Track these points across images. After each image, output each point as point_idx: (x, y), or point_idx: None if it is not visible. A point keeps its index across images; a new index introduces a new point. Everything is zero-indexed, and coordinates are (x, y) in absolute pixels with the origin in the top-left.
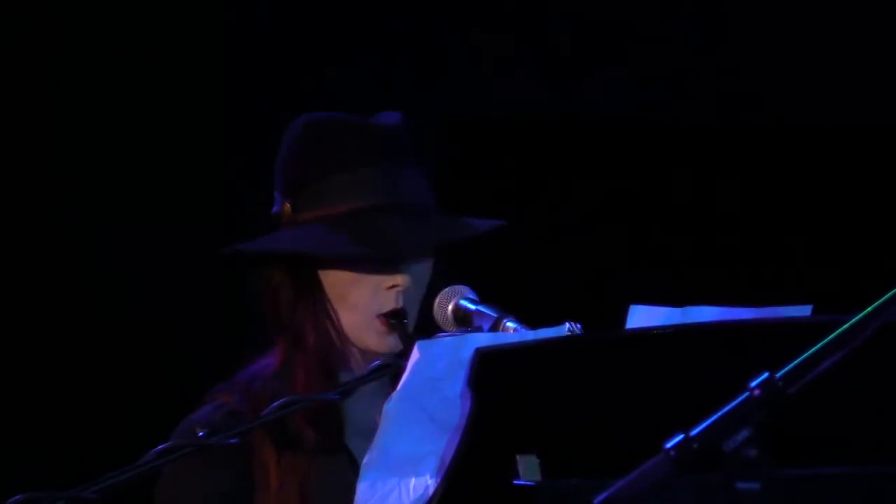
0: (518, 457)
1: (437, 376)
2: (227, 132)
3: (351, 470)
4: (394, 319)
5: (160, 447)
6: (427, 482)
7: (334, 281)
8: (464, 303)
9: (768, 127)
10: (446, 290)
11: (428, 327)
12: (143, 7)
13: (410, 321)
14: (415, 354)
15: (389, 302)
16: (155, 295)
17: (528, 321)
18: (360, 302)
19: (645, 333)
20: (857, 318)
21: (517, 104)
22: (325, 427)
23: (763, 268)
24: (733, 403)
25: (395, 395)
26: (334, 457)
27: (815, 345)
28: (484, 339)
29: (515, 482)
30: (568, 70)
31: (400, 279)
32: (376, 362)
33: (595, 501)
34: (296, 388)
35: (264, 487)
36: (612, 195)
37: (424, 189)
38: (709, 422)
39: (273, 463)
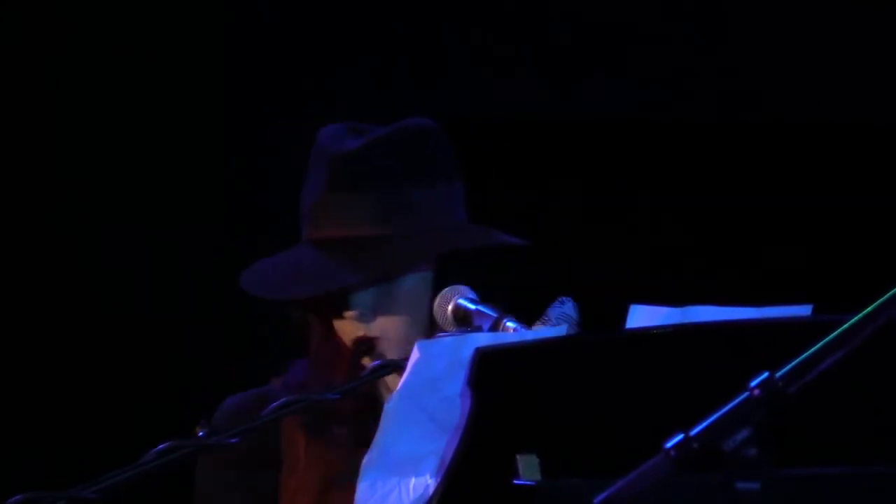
0: (518, 457)
1: (436, 376)
2: (227, 132)
3: None
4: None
5: (160, 447)
6: (427, 482)
7: None
8: (463, 302)
9: (768, 127)
10: (446, 289)
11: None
12: (143, 7)
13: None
14: (415, 354)
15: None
16: (155, 295)
17: (528, 321)
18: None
19: (645, 333)
20: (857, 318)
21: (517, 104)
22: (359, 420)
23: (763, 268)
24: (733, 403)
25: (395, 394)
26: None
27: (815, 345)
28: (484, 338)
29: (515, 482)
30: (568, 70)
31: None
32: (376, 362)
33: (595, 501)
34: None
35: (291, 471)
36: (612, 195)
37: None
38: (709, 422)
39: (302, 448)
